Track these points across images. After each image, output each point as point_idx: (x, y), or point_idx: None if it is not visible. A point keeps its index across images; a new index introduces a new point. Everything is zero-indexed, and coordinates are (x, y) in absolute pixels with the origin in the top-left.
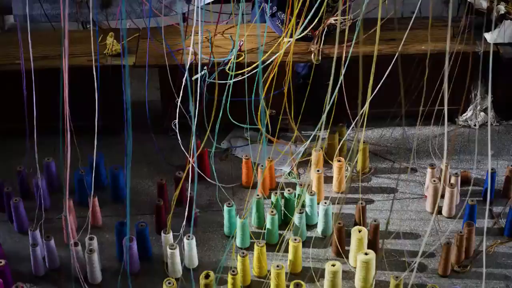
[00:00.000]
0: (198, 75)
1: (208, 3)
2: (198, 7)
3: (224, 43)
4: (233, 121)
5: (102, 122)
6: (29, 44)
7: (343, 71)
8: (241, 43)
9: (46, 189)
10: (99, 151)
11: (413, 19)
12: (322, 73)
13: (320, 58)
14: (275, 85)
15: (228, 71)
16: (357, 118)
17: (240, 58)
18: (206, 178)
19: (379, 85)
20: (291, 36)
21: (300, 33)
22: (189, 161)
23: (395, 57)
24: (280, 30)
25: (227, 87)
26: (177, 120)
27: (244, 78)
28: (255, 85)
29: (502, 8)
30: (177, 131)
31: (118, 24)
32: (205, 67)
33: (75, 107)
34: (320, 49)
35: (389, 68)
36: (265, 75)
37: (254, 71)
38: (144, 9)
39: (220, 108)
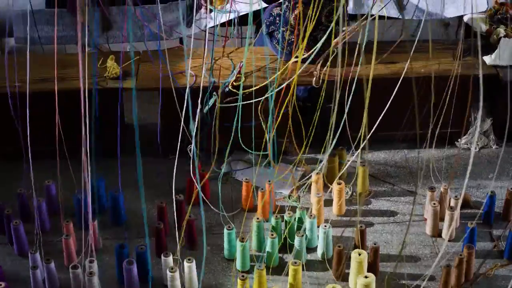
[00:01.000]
0: (209, 105)
1: (212, 26)
2: (203, 29)
3: (225, 65)
4: (244, 147)
5: (102, 145)
6: (27, 66)
7: (336, 95)
8: (241, 65)
9: (46, 211)
10: (99, 174)
11: (416, 42)
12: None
13: (320, 81)
14: (276, 107)
15: (234, 90)
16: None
17: (242, 81)
18: (207, 201)
19: (385, 109)
20: (290, 57)
21: (299, 55)
22: (190, 184)
23: (399, 78)
24: (278, 51)
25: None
26: (193, 145)
27: (246, 102)
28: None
29: (501, 31)
30: (191, 153)
31: (118, 47)
32: (215, 93)
33: (74, 130)
34: (321, 72)
35: (394, 90)
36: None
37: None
38: (146, 32)
39: (221, 132)
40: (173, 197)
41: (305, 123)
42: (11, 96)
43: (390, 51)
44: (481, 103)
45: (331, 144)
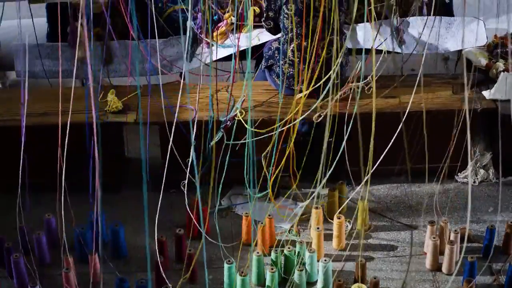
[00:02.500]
0: (216, 140)
1: (215, 61)
2: (205, 64)
3: (225, 99)
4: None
5: (102, 179)
6: (25, 98)
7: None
8: (242, 100)
9: (46, 245)
10: (100, 208)
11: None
12: (323, 130)
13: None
14: (276, 142)
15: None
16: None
17: (242, 115)
18: (206, 236)
19: (387, 144)
20: (291, 90)
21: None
22: (190, 218)
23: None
24: (277, 85)
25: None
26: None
27: (248, 136)
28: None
29: (500, 65)
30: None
31: (119, 81)
32: (221, 129)
33: (74, 163)
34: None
35: (392, 123)
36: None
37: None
38: (148, 66)
39: (221, 167)
40: (156, 235)
41: (306, 158)
42: (12, 129)
43: (386, 84)
44: (469, 137)
45: (325, 176)
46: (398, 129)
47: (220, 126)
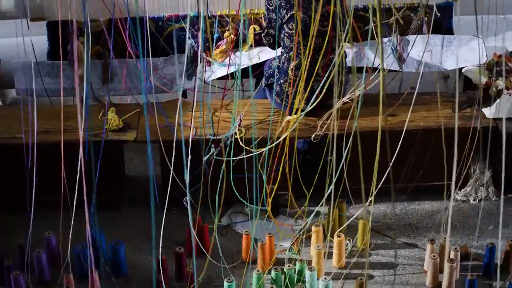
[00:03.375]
0: (208, 157)
1: (213, 79)
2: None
3: (224, 118)
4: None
5: (102, 197)
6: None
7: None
8: (242, 117)
9: (46, 263)
10: (100, 226)
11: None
12: (322, 148)
13: (319, 135)
14: (276, 160)
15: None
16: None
17: (241, 134)
18: (206, 254)
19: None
20: (290, 110)
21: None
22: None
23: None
24: (277, 103)
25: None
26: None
27: (248, 154)
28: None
29: (500, 83)
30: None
31: (119, 100)
32: (213, 146)
33: (74, 181)
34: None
35: (393, 142)
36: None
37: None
38: (144, 85)
39: (222, 184)
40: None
41: (306, 176)
42: (12, 147)
43: (388, 102)
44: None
45: (328, 197)
46: (398, 147)
47: (220, 143)
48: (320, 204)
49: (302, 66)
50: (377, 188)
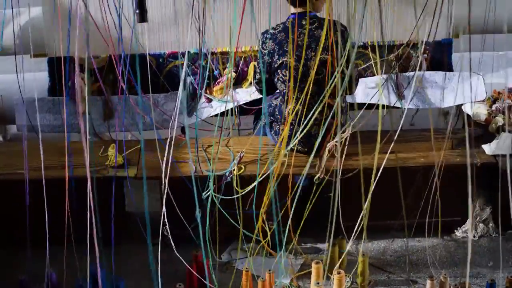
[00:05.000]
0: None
1: (212, 116)
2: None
3: (224, 156)
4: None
5: (102, 233)
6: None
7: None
8: (242, 155)
9: None
10: (100, 262)
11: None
12: (322, 185)
13: (321, 176)
14: (276, 196)
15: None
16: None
17: (241, 171)
18: None
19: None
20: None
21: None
22: (191, 272)
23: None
24: (276, 141)
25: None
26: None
27: (247, 191)
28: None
29: (500, 119)
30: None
31: (120, 136)
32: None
33: (75, 217)
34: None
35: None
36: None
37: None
38: (146, 122)
39: (222, 220)
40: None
41: (306, 212)
42: (13, 183)
43: (386, 139)
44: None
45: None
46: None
47: (222, 181)
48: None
49: (297, 106)
50: (372, 222)
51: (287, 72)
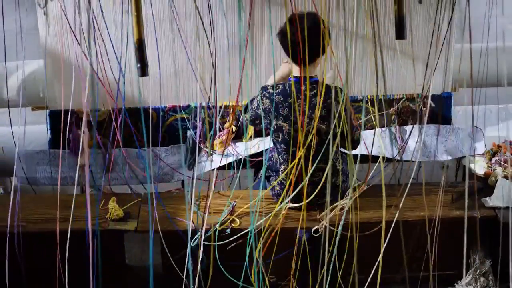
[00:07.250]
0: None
1: (213, 169)
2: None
3: (220, 209)
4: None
5: (102, 286)
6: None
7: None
8: (234, 204)
9: None
10: None
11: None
12: (324, 238)
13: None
14: (275, 249)
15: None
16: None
17: (236, 224)
18: None
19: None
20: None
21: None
22: None
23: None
24: (274, 195)
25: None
26: None
27: (244, 243)
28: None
29: (499, 172)
30: None
31: (120, 189)
32: (199, 232)
33: (75, 271)
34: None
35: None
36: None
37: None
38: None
39: (216, 272)
40: None
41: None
42: (12, 236)
43: (387, 193)
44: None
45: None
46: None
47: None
48: None
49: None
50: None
51: (280, 134)
